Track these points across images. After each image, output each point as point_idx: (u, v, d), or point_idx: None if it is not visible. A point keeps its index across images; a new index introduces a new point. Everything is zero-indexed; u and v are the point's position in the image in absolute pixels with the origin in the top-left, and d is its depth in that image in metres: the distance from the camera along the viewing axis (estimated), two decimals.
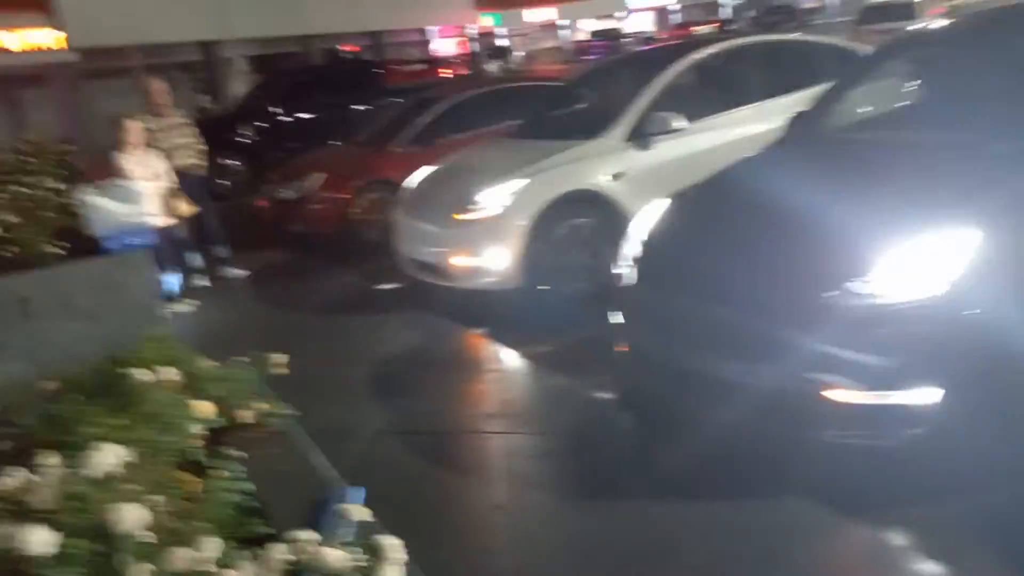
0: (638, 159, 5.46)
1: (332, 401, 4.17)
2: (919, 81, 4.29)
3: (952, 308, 2.70)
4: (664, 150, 5.50)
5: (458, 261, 5.39)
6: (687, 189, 4.03)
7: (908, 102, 4.31)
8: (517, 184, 5.31)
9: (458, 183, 5.77)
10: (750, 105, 5.85)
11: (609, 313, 3.80)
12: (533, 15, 58.59)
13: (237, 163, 11.49)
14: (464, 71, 18.51)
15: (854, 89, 4.39)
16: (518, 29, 57.79)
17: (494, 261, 5.25)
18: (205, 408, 2.09)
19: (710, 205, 3.84)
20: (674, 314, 3.39)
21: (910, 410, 2.73)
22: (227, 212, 8.04)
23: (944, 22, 4.91)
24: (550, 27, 60.42)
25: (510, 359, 4.82)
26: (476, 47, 50.91)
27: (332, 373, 4.63)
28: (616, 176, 5.39)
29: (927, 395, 2.71)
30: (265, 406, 2.25)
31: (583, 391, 4.17)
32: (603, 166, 5.41)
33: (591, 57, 50.57)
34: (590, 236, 5.34)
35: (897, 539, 2.69)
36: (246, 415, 2.20)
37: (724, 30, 54.64)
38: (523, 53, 52.66)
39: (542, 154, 5.55)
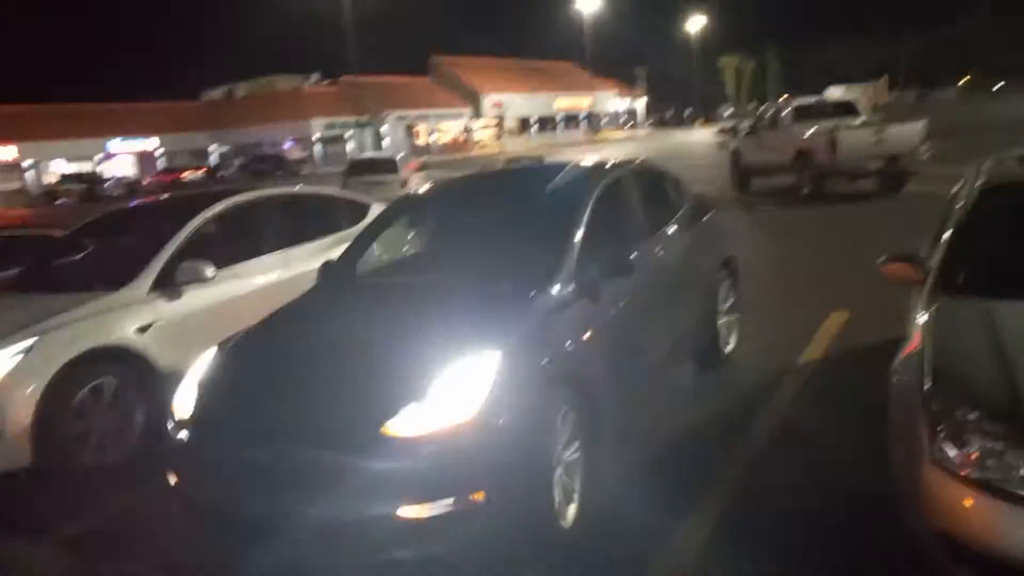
0: (167, 309, 5.24)
1: None
2: (435, 229, 5.00)
3: (486, 422, 3.15)
4: (194, 299, 5.38)
5: None
6: (234, 338, 4.03)
7: (427, 248, 4.98)
8: (20, 345, 4.65)
9: None
10: (274, 253, 6.09)
11: (166, 473, 3.56)
12: None
13: None
14: None
15: (376, 238, 4.93)
16: None
17: None
18: None
19: (260, 352, 3.89)
20: (237, 463, 3.31)
21: (463, 514, 3.07)
22: None
23: (451, 181, 5.82)
24: (13, 167, 54.09)
25: (32, 554, 4.08)
26: None
27: None
28: (143, 328, 5.08)
29: (475, 499, 3.08)
30: None
31: (133, 568, 3.74)
32: (128, 319, 5.06)
33: (63, 202, 46.68)
34: (119, 396, 4.92)
35: None
36: None
37: (214, 177, 55.28)
38: None
39: (50, 309, 4.96)
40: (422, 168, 25.04)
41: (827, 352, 5.80)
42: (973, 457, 2.50)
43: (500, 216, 4.73)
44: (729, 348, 5.85)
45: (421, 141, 70.61)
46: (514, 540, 3.25)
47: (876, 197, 14.57)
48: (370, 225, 5.14)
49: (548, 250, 4.11)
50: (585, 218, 4.26)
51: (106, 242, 6.50)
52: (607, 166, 5.06)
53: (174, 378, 5.01)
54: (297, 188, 7.31)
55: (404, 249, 5.39)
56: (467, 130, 75.89)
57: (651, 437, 4.55)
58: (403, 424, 3.09)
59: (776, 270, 8.32)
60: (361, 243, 4.92)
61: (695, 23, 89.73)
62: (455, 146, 73.33)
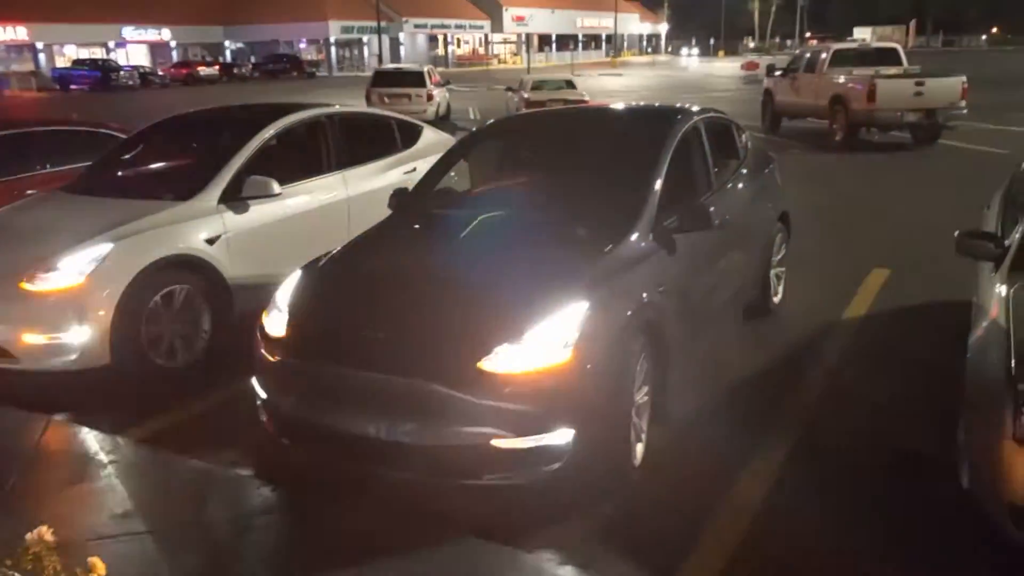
0: (234, 222, 5.33)
1: None
2: (509, 165, 5.05)
3: (576, 368, 3.30)
4: (259, 214, 5.47)
5: (28, 338, 4.62)
6: (319, 261, 4.15)
7: (503, 184, 5.05)
8: (99, 250, 4.77)
9: (16, 247, 4.95)
10: (335, 173, 6.15)
11: (253, 385, 3.75)
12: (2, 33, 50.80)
13: None
14: None
15: (450, 169, 4.99)
16: None
17: (77, 337, 4.64)
18: None
19: (348, 277, 4.01)
20: (333, 385, 3.47)
21: (552, 449, 3.27)
22: None
23: (523, 116, 5.84)
24: (24, 48, 53.04)
25: (118, 447, 4.26)
26: None
27: None
28: (212, 240, 5.19)
29: (564, 436, 3.28)
30: None
31: (220, 471, 3.94)
32: (197, 229, 5.16)
33: (77, 87, 46.03)
34: (189, 303, 5.07)
35: (552, 556, 3.18)
36: None
37: (230, 74, 54.32)
38: None
39: (124, 215, 5.06)
40: (445, 83, 24.56)
41: (871, 310, 5.95)
42: None
43: (575, 158, 4.78)
44: (777, 299, 5.99)
45: (439, 52, 69.25)
46: (593, 474, 3.45)
47: (908, 149, 14.50)
48: (444, 156, 5.19)
49: (628, 198, 4.18)
50: (665, 167, 4.33)
51: (170, 149, 6.54)
52: (681, 114, 5.09)
53: (240, 289, 5.22)
54: (354, 108, 7.30)
55: (473, 184, 5.45)
56: (486, 43, 74.30)
57: (710, 384, 4.73)
58: (498, 362, 3.24)
59: (812, 221, 8.30)
60: (436, 174, 4.98)
61: None
62: (473, 58, 72.01)
